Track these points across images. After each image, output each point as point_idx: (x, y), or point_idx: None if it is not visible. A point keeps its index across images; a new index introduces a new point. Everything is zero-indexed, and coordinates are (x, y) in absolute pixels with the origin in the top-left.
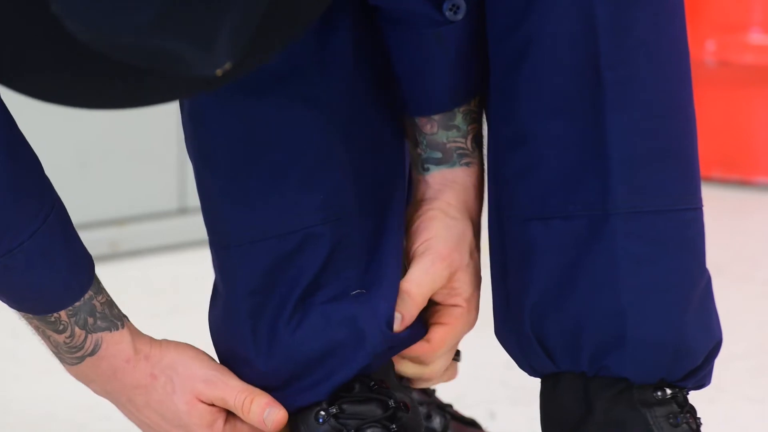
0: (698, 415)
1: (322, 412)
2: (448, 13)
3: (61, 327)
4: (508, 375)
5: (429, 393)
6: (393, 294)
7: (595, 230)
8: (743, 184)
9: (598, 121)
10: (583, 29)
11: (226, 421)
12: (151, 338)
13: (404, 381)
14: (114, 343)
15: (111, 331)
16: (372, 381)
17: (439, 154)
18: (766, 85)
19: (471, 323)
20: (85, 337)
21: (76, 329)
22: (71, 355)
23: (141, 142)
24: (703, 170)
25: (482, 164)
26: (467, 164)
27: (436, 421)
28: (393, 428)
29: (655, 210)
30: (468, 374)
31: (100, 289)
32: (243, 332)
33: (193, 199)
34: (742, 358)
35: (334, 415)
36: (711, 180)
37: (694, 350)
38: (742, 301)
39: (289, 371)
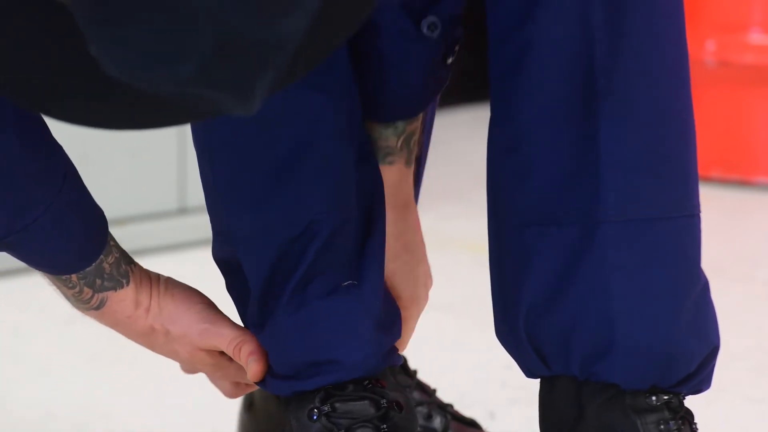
0: (695, 421)
1: (315, 410)
2: (425, 32)
3: (71, 284)
4: (508, 375)
5: (430, 393)
6: (379, 290)
7: (587, 238)
8: (743, 184)
9: (591, 128)
10: (579, 36)
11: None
12: (152, 286)
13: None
14: (118, 300)
15: (116, 290)
16: (366, 380)
17: None
18: (766, 85)
19: (419, 312)
20: (92, 295)
21: (85, 288)
22: (79, 305)
23: (141, 142)
24: (703, 170)
25: (408, 161)
26: (390, 162)
27: (437, 421)
28: (384, 428)
29: (647, 218)
30: (468, 374)
31: (110, 250)
32: (252, 311)
33: (193, 199)
34: (742, 358)
35: (326, 414)
36: (711, 180)
37: (687, 356)
38: (742, 301)
39: (283, 358)
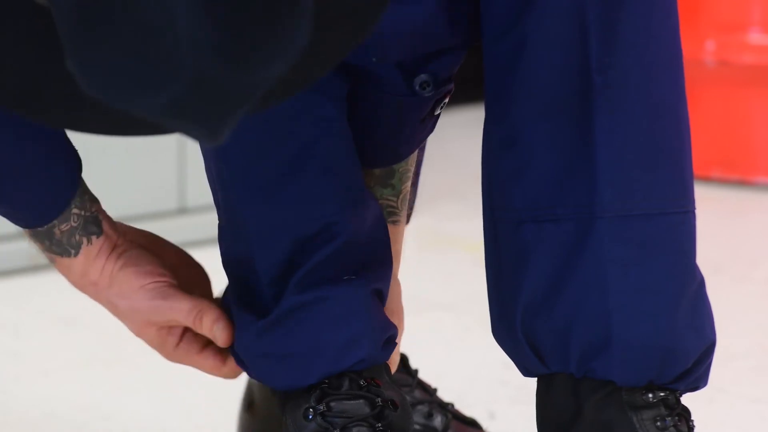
0: (692, 418)
1: (311, 409)
2: (417, 89)
3: (24, 236)
4: (508, 375)
5: (430, 392)
6: (386, 284)
7: (583, 233)
8: (743, 184)
9: (587, 125)
10: (574, 33)
11: (182, 336)
12: (107, 261)
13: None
14: (63, 266)
15: (62, 256)
16: (362, 378)
17: None
18: (766, 85)
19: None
20: (42, 251)
21: (36, 243)
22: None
23: (141, 142)
24: (703, 170)
25: (404, 218)
26: (394, 222)
27: (438, 420)
28: (379, 427)
29: (642, 214)
30: (468, 374)
31: (68, 217)
32: (258, 299)
33: (193, 199)
34: (742, 358)
35: (321, 413)
36: (711, 180)
37: (683, 353)
38: (742, 300)
39: (284, 347)
